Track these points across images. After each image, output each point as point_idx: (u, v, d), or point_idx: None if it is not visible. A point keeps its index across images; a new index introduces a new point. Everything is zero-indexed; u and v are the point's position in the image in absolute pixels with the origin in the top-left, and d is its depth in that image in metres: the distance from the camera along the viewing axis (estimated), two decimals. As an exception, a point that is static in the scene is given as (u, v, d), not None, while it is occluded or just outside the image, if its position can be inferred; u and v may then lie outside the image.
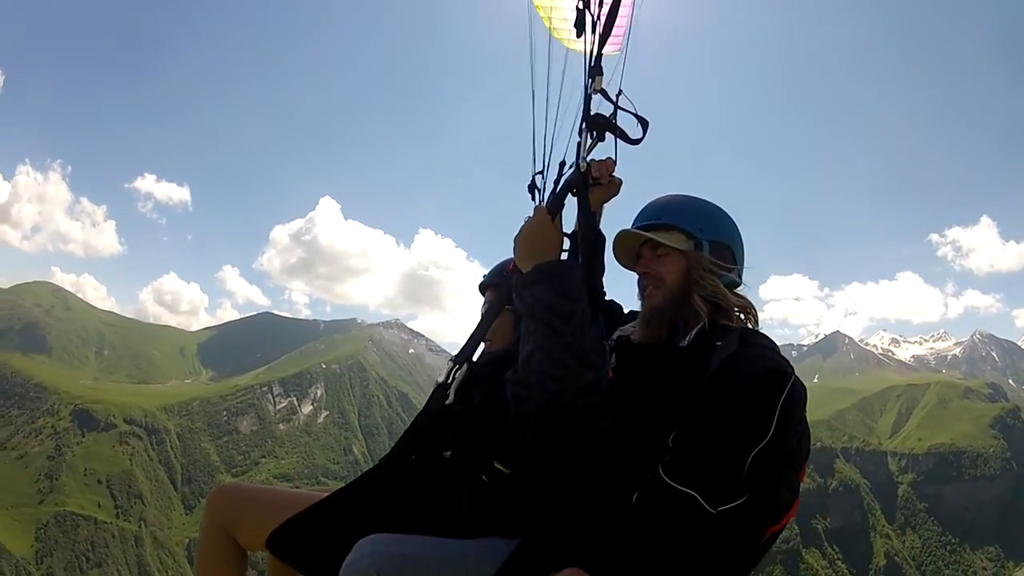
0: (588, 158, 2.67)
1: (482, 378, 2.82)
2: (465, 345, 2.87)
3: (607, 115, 2.67)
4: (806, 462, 2.33)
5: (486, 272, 3.54)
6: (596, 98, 2.71)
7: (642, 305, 2.60)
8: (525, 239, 2.48)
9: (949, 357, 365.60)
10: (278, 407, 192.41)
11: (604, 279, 2.92)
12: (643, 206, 2.70)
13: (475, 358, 2.94)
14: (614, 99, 2.67)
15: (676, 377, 2.24)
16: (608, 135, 2.68)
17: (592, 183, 2.69)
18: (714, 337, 2.32)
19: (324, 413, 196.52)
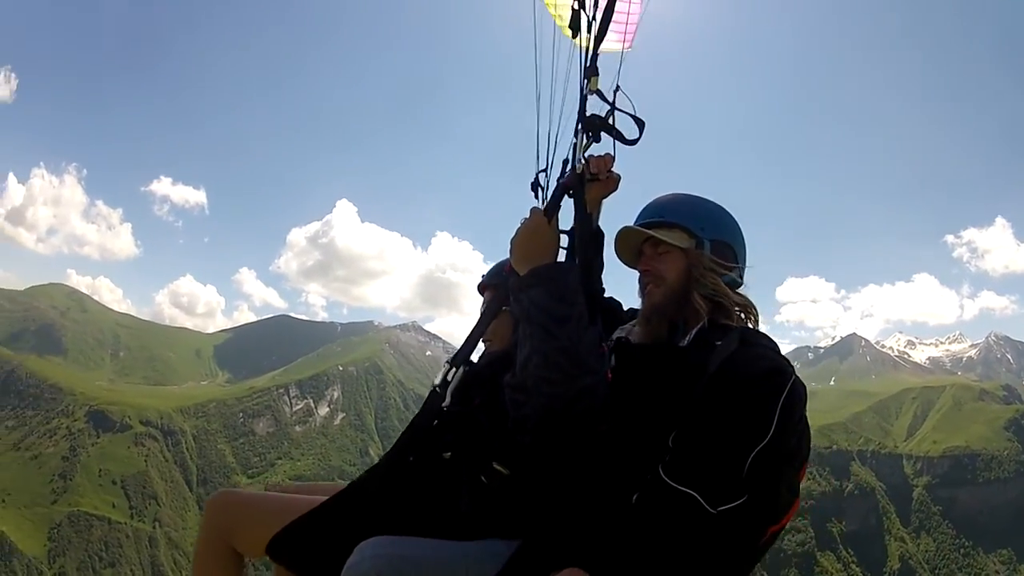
0: (587, 154, 2.69)
1: (482, 379, 2.82)
2: (462, 347, 2.86)
3: (605, 115, 2.69)
4: (807, 462, 2.32)
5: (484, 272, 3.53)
6: (596, 98, 2.72)
7: (643, 303, 2.60)
8: (521, 242, 2.45)
9: (964, 359, 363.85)
10: (294, 409, 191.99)
11: (603, 276, 3.02)
12: (645, 204, 2.70)
13: (475, 358, 2.95)
14: (611, 98, 2.70)
15: (676, 377, 2.24)
16: (607, 135, 2.70)
17: (590, 179, 2.72)
18: (714, 336, 2.32)
19: (341, 415, 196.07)
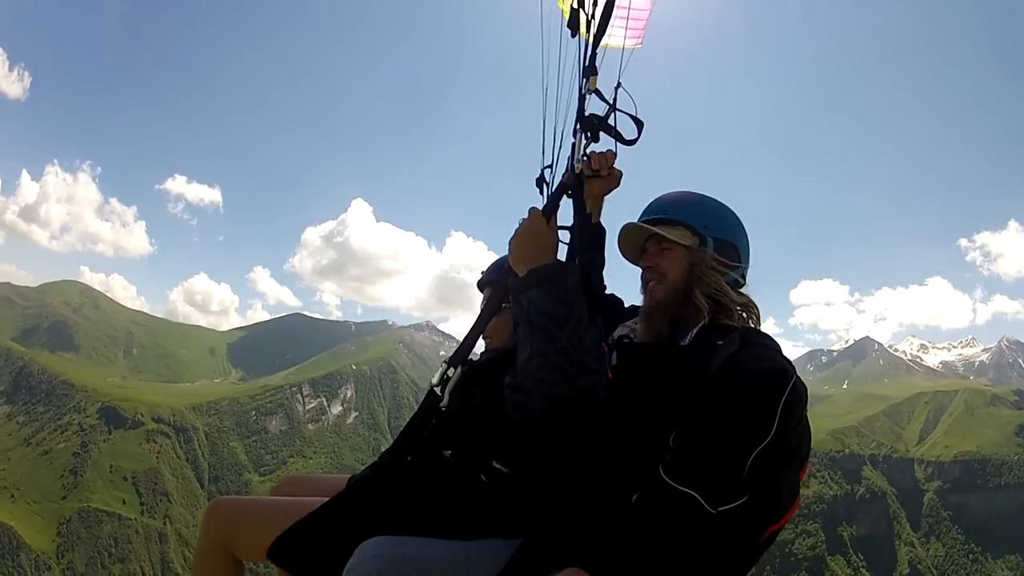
0: (589, 150, 2.73)
1: (482, 376, 2.85)
2: (461, 346, 2.86)
3: (604, 114, 2.72)
4: (806, 461, 2.35)
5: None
6: (596, 98, 2.75)
7: (644, 299, 2.62)
8: (520, 242, 2.46)
9: (977, 363, 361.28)
10: (307, 407, 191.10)
11: (604, 273, 3.04)
12: (650, 201, 2.72)
13: (476, 356, 2.96)
14: (611, 97, 2.72)
15: (677, 377, 2.25)
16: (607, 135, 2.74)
17: (592, 175, 2.77)
18: (715, 336, 2.34)
19: (354, 414, 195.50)
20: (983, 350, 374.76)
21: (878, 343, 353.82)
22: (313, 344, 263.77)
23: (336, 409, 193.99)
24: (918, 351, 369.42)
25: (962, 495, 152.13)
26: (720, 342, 2.27)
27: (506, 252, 2.52)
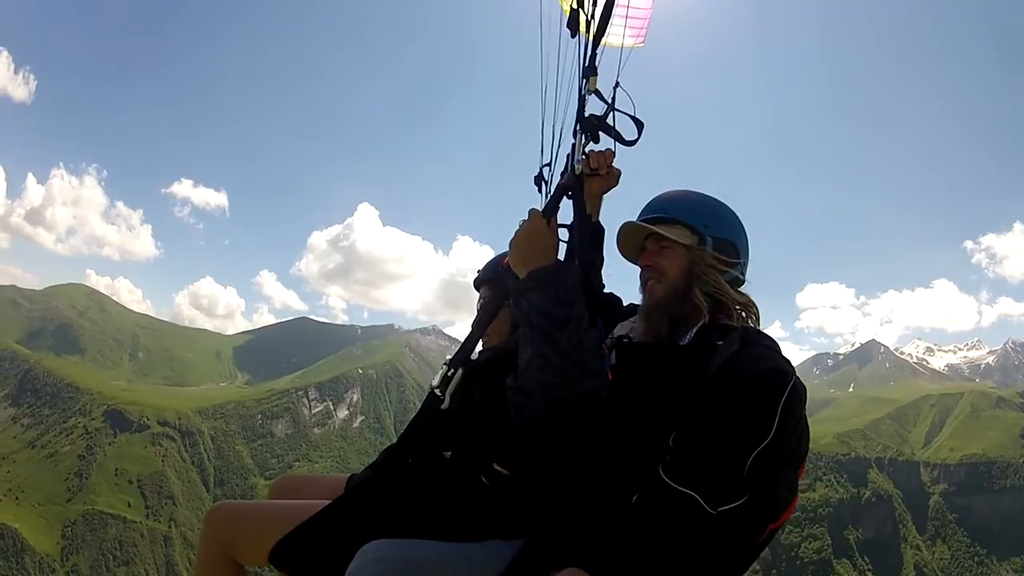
0: (587, 149, 2.72)
1: (482, 376, 2.83)
2: (461, 347, 2.86)
3: (603, 113, 2.72)
4: (804, 460, 2.35)
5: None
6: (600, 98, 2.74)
7: (643, 298, 2.61)
8: (520, 244, 2.45)
9: (983, 366, 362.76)
10: (314, 411, 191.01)
11: (603, 271, 3.02)
12: (649, 200, 2.72)
13: (474, 355, 2.95)
14: (610, 96, 2.72)
15: (677, 377, 2.26)
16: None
17: (591, 174, 2.75)
18: (715, 336, 2.34)
19: (360, 418, 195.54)
20: (989, 352, 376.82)
21: (884, 346, 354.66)
22: (319, 348, 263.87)
23: (342, 413, 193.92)
24: (924, 354, 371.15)
25: (968, 498, 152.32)
26: (720, 342, 2.27)
27: (503, 251, 2.53)
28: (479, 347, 3.02)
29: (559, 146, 2.85)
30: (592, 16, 2.72)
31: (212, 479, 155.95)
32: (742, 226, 2.63)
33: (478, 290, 3.40)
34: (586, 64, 2.71)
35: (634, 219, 2.66)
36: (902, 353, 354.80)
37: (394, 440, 2.71)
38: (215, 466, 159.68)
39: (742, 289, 2.58)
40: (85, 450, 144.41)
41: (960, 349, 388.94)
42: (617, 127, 2.70)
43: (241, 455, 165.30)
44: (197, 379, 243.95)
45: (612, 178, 2.86)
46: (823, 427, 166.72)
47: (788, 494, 2.20)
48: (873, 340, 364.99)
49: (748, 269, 2.63)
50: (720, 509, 2.04)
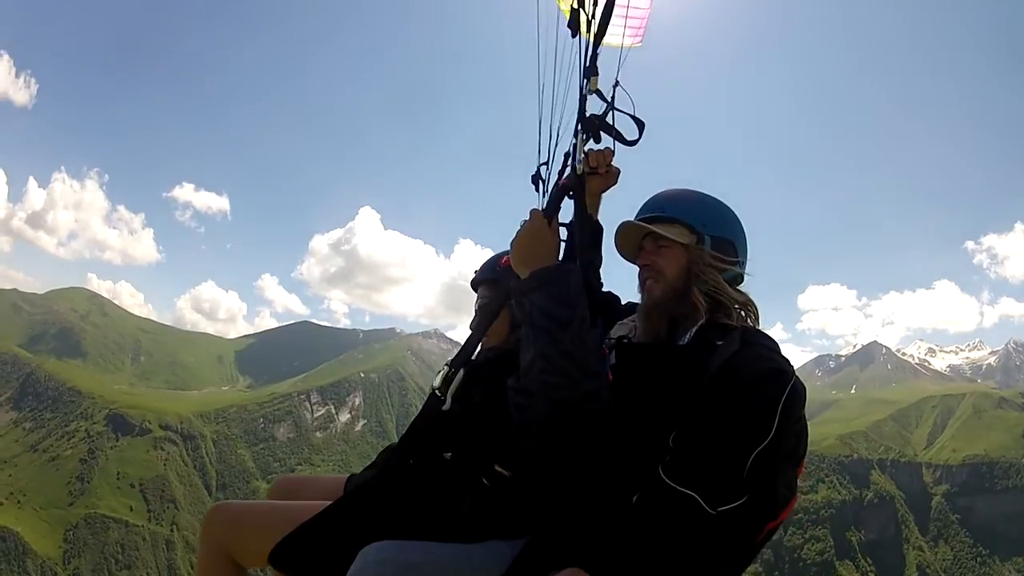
0: (586, 148, 2.71)
1: (482, 376, 2.83)
2: (462, 349, 2.89)
3: (603, 113, 2.71)
4: (803, 459, 2.35)
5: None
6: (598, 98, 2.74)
7: (642, 298, 2.60)
8: (522, 244, 2.45)
9: (984, 367, 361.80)
10: (315, 415, 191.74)
11: (602, 271, 3.01)
12: (646, 199, 2.72)
13: (474, 355, 2.97)
14: (610, 96, 2.71)
15: (677, 377, 2.25)
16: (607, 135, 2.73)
17: (590, 172, 2.74)
18: (714, 335, 2.33)
19: (362, 422, 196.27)
20: (990, 353, 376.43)
21: (886, 347, 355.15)
22: (321, 352, 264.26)
23: (344, 417, 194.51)
24: (926, 355, 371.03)
25: (970, 498, 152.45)
26: (719, 342, 2.27)
27: (501, 251, 2.51)
28: (479, 347, 3.02)
29: (556, 145, 2.85)
30: (592, 16, 2.69)
31: (214, 483, 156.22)
32: (741, 225, 2.61)
33: (475, 290, 3.39)
34: (587, 64, 2.68)
35: (632, 218, 2.64)
36: (904, 354, 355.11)
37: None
38: (217, 470, 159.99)
39: (742, 287, 2.56)
40: (87, 454, 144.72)
41: (962, 350, 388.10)
42: (617, 127, 2.67)
43: (243, 459, 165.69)
44: (199, 383, 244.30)
45: (611, 177, 2.85)
46: (825, 429, 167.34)
47: (787, 493, 2.20)
48: (875, 341, 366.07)
49: (748, 269, 2.61)
50: (720, 509, 2.03)
